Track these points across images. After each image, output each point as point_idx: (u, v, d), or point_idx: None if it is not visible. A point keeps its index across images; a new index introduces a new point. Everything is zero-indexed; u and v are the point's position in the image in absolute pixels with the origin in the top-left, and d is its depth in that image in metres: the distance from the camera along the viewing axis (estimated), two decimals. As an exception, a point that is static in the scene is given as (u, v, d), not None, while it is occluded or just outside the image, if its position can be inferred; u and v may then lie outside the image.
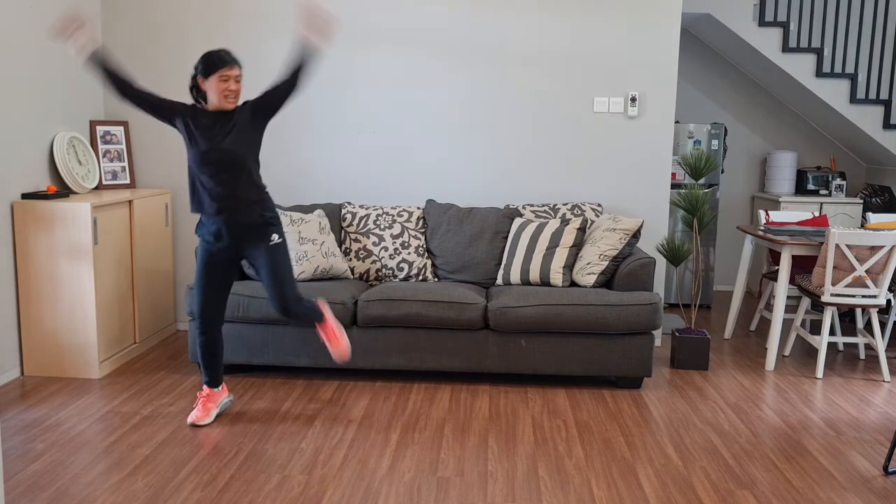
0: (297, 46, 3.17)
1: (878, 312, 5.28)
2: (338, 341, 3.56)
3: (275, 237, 3.37)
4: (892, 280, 4.51)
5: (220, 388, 3.57)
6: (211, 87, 3.23)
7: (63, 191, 4.18)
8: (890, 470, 3.09)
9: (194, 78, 3.29)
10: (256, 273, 3.43)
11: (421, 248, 4.52)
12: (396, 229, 4.54)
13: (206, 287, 3.41)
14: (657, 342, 4.94)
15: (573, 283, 4.29)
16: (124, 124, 4.84)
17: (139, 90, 3.25)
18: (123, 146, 4.83)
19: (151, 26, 4.83)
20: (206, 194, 3.29)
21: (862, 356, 4.74)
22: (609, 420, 3.60)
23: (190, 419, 3.46)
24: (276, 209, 3.72)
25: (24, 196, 4.03)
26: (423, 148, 4.89)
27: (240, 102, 3.38)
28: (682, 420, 3.62)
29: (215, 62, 3.22)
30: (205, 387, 3.55)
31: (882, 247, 4.12)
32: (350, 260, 4.54)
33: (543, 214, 4.63)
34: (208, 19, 4.81)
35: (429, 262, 4.51)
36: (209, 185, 3.27)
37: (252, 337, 4.04)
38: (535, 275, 4.26)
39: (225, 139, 3.23)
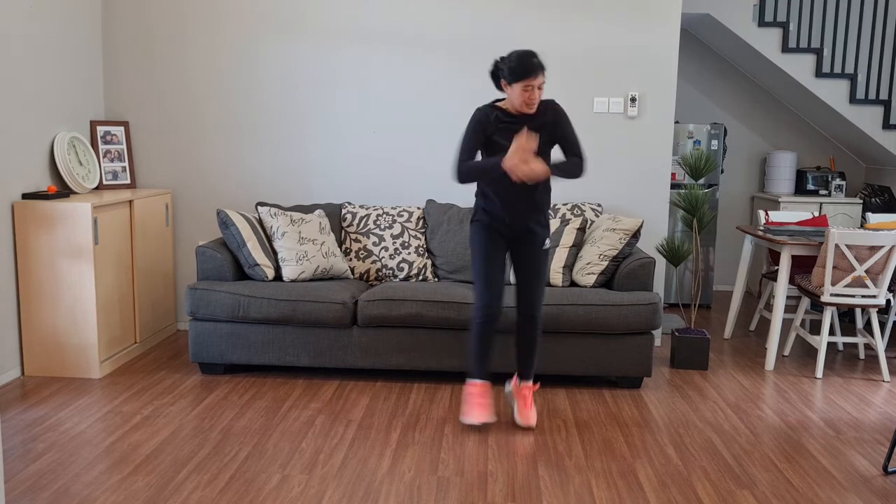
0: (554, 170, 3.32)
1: (877, 312, 5.28)
2: (529, 409, 3.49)
3: (547, 241, 3.45)
4: (891, 280, 4.52)
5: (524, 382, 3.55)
6: (514, 93, 3.21)
7: (63, 191, 4.18)
8: (890, 470, 3.09)
9: (496, 75, 3.27)
10: (515, 270, 3.45)
11: (421, 248, 4.52)
12: (396, 229, 4.54)
13: (489, 265, 3.33)
14: (657, 342, 4.94)
15: (573, 283, 4.29)
16: (125, 124, 4.84)
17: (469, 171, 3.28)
18: (124, 146, 4.83)
19: (151, 26, 4.83)
20: (499, 188, 3.30)
21: (862, 356, 4.74)
22: (609, 420, 3.60)
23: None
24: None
25: (25, 196, 4.03)
26: (423, 148, 4.89)
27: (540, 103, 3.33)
28: (682, 420, 3.62)
29: (519, 73, 3.15)
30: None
31: (882, 247, 4.12)
32: (350, 260, 4.54)
33: (543, 214, 4.63)
34: (208, 19, 4.81)
35: (429, 262, 4.51)
36: (505, 181, 3.28)
37: (252, 337, 4.04)
38: (535, 275, 4.26)
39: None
